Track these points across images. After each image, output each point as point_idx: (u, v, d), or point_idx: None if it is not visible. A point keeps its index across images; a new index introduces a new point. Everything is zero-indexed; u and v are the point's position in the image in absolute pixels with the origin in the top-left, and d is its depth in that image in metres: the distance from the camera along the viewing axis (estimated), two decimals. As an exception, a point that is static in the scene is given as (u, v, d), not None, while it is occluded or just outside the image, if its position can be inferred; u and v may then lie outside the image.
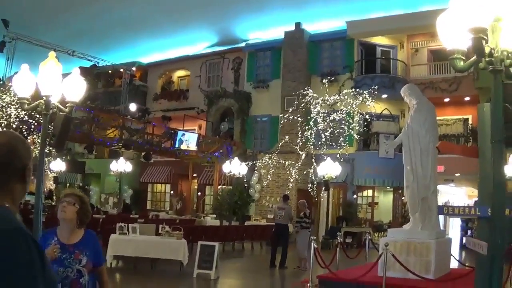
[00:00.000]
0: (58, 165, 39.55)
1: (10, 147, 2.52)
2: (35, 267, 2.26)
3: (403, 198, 34.71)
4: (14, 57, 28.62)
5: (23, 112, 21.44)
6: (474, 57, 5.48)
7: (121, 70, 43.14)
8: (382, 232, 34.91)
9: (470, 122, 34.26)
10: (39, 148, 11.94)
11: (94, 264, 5.57)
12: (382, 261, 15.32)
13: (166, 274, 18.82)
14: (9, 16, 28.62)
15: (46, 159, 39.24)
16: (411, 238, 16.53)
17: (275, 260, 20.98)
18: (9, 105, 21.57)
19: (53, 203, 40.41)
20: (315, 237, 17.98)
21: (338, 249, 19.38)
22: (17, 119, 22.23)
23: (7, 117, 22.19)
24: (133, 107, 38.49)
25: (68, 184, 49.62)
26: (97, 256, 5.68)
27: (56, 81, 10.33)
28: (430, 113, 17.33)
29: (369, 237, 22.33)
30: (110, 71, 44.95)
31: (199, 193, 43.28)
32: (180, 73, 46.77)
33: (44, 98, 10.42)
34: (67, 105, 10.79)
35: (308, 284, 16.51)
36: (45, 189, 49.81)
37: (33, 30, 30.44)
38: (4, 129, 22.48)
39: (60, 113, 10.93)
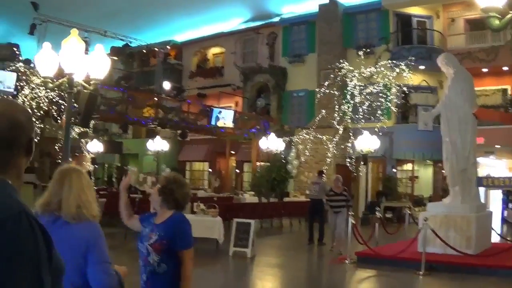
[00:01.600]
0: (95, 146, 39.59)
1: (10, 118, 2.27)
2: (41, 256, 2.10)
3: (443, 171, 34.19)
4: (46, 40, 28.36)
5: (53, 93, 21.29)
6: (510, 14, 5.07)
7: (156, 49, 42.93)
8: (423, 207, 34.38)
9: (509, 92, 33.55)
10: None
11: (171, 247, 5.46)
12: (422, 237, 14.98)
13: (202, 252, 18.53)
14: (38, -2, 28.55)
15: (83, 140, 39.57)
16: (451, 212, 16.16)
17: (313, 237, 20.67)
18: (39, 87, 21.42)
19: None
20: (353, 213, 17.58)
21: (377, 224, 19.07)
22: (47, 100, 22.10)
23: (37, 98, 22.08)
24: (167, 85, 38.25)
25: (106, 165, 49.82)
26: (176, 240, 5.52)
27: (79, 59, 10.08)
28: (467, 82, 16.87)
29: (409, 212, 21.95)
30: (144, 51, 44.84)
31: (237, 170, 43.11)
32: (215, 50, 46.42)
33: (67, 76, 10.20)
34: (91, 82, 10.54)
35: (346, 261, 16.22)
36: (84, 170, 50.11)
37: (64, 12, 30.26)
38: (35, 110, 22.45)
39: (85, 90, 10.67)
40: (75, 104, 11.55)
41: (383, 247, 17.49)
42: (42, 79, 11.20)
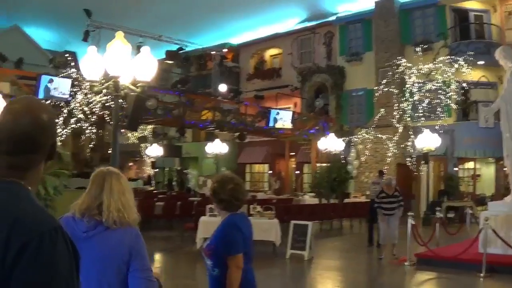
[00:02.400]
0: (155, 150, 39.84)
1: (34, 116, 2.18)
2: (73, 274, 2.06)
3: (504, 169, 33.43)
4: (100, 46, 28.53)
5: (105, 98, 21.36)
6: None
7: (212, 52, 42.99)
8: (485, 206, 33.73)
9: None
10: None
11: (218, 252, 5.36)
12: (482, 237, 14.56)
13: (259, 255, 18.28)
14: (92, 5, 28.68)
15: (142, 145, 39.81)
16: (512, 211, 15.65)
17: (373, 238, 20.27)
18: (91, 92, 21.55)
19: (151, 188, 40.84)
20: (412, 213, 17.14)
21: (437, 225, 18.65)
22: (100, 105, 22.20)
23: (89, 104, 22.20)
24: (223, 87, 38.16)
25: (166, 169, 50.11)
26: (220, 245, 5.40)
27: (124, 62, 9.95)
28: (528, 76, 16.34)
29: (470, 211, 21.44)
30: (201, 54, 44.97)
31: (297, 172, 42.86)
32: (272, 51, 46.19)
33: (113, 79, 10.10)
34: (138, 85, 10.41)
35: (406, 263, 15.87)
36: (144, 175, 50.49)
37: (118, 18, 30.41)
38: (89, 116, 22.58)
39: (132, 93, 10.56)
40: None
41: (443, 248, 17.07)
42: (89, 83, 11.09)
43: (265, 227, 18.12)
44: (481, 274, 13.74)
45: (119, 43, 9.93)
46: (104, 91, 20.02)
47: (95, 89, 10.65)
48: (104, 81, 10.99)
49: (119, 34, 10.18)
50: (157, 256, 18.05)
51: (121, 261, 3.96)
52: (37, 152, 2.18)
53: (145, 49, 10.35)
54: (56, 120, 21.97)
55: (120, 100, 11.55)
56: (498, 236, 14.55)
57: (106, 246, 3.78)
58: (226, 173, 5.89)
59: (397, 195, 17.16)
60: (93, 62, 10.31)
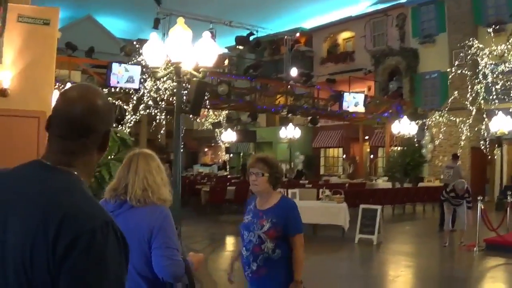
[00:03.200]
0: (229, 136, 40.11)
1: (88, 103, 2.23)
2: (123, 268, 2.11)
3: None
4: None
5: (173, 84, 21.57)
6: None
7: (285, 37, 42.91)
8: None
9: None
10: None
11: (284, 233, 5.47)
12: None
13: (328, 239, 18.40)
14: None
15: (217, 131, 40.13)
16: None
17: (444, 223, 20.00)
18: (160, 80, 21.77)
19: (226, 173, 41.13)
20: (481, 197, 16.82)
21: (508, 210, 18.32)
22: (167, 91, 22.42)
23: (158, 90, 22.42)
24: (294, 72, 38.05)
25: (241, 154, 50.42)
26: (289, 225, 5.51)
27: (185, 47, 10.04)
28: None
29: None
30: (273, 39, 44.98)
31: (371, 156, 42.60)
32: (345, 34, 45.86)
33: (175, 65, 10.20)
34: (200, 70, 10.51)
35: (475, 248, 15.65)
36: (220, 160, 50.93)
37: (188, 5, 30.53)
38: (160, 103, 22.84)
39: (194, 79, 10.65)
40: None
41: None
42: (152, 69, 11.23)
43: (333, 211, 18.13)
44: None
45: (180, 29, 10.02)
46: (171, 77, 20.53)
47: (158, 75, 10.75)
48: (167, 67, 11.15)
49: (180, 20, 10.26)
50: (227, 240, 18.26)
51: (142, 239, 4.01)
52: (88, 137, 2.21)
53: (206, 35, 10.40)
54: (126, 107, 22.46)
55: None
56: None
57: (128, 224, 3.74)
58: (266, 153, 6.01)
59: (466, 197, 16.68)
60: (156, 49, 10.42)
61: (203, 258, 4.29)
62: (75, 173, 2.18)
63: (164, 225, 4.06)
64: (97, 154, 2.30)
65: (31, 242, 1.97)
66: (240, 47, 37.10)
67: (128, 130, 20.21)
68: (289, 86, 32.76)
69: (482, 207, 16.19)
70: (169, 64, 11.12)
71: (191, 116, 23.46)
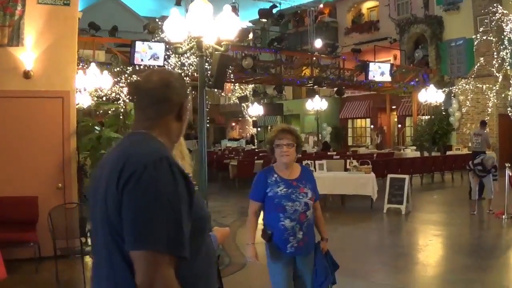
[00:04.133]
0: (256, 109, 40.11)
1: (163, 79, 2.79)
2: (181, 200, 2.46)
3: None
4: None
5: (197, 59, 21.52)
6: None
7: (309, 9, 42.65)
8: None
9: None
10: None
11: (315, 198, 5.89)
12: None
13: (356, 210, 18.41)
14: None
15: (244, 104, 40.11)
16: None
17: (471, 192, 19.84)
18: (184, 55, 21.71)
19: (254, 147, 41.13)
20: (510, 164, 16.67)
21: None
22: (191, 67, 22.35)
23: (183, 66, 22.38)
24: (318, 43, 37.81)
25: (269, 127, 50.40)
26: (315, 189, 5.91)
27: (206, 21, 9.99)
28: None
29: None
30: (296, 11, 44.78)
31: (399, 125, 42.38)
32: (369, 4, 45.28)
33: (196, 39, 10.17)
34: (222, 43, 10.47)
35: (503, 216, 15.55)
36: (247, 134, 50.93)
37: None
38: (185, 79, 22.80)
39: (216, 52, 10.62)
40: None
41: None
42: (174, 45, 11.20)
43: (361, 182, 18.08)
44: None
45: (200, 2, 9.97)
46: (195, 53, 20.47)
47: (180, 50, 10.71)
48: (189, 42, 11.11)
49: (200, -6, 10.21)
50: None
51: None
52: (163, 105, 2.74)
53: (226, 8, 10.34)
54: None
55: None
56: None
57: None
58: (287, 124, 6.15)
59: (493, 172, 16.50)
60: (177, 24, 10.38)
61: (229, 232, 4.28)
62: (149, 131, 2.71)
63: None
64: (176, 122, 2.83)
65: (107, 181, 2.52)
66: (264, 20, 36.97)
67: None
68: (314, 58, 32.54)
69: (510, 174, 16.05)
70: (191, 39, 11.07)
71: (216, 90, 23.56)
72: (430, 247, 12.74)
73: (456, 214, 17.45)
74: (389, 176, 18.14)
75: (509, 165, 16.35)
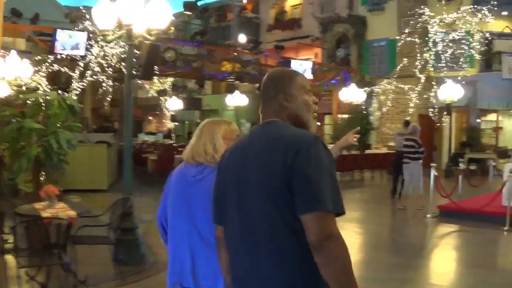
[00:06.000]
0: (175, 103, 39.62)
1: (269, 75, 3.34)
2: (334, 168, 2.86)
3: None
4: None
5: (121, 50, 21.01)
6: None
7: (232, 3, 42.48)
8: (507, 158, 33.57)
9: None
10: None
11: None
12: (507, 190, 14.26)
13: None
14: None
15: (162, 98, 39.60)
16: (539, 162, 15.31)
17: (396, 190, 20.00)
18: (106, 44, 21.20)
19: (172, 142, 40.70)
20: (435, 164, 16.83)
21: (460, 177, 18.33)
22: (116, 58, 21.85)
23: (106, 56, 21.87)
24: (242, 38, 37.61)
25: (186, 122, 50.02)
26: None
27: (137, 9, 9.62)
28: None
29: (494, 164, 21.11)
30: (220, 6, 44.51)
31: (318, 123, 42.47)
32: (293, 1, 45.04)
33: (126, 27, 9.79)
34: (152, 32, 10.10)
35: (428, 215, 15.64)
36: (164, 128, 50.38)
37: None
38: (107, 69, 22.28)
39: (146, 41, 10.25)
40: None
41: (466, 201, 16.77)
42: (102, 33, 10.79)
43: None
44: (505, 228, 13.50)
45: (132, -11, 9.60)
46: (120, 43, 19.97)
47: (108, 38, 10.31)
48: (117, 30, 10.70)
49: (131, -19, 9.83)
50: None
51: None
52: (278, 97, 3.15)
53: (158, -4, 9.98)
54: (72, 74, 21.85)
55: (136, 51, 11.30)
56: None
57: (212, 188, 3.65)
58: None
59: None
60: (106, 10, 9.97)
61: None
62: (281, 121, 3.09)
63: None
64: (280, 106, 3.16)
65: (268, 163, 2.87)
66: (188, 13, 36.55)
67: (75, 98, 19.62)
68: (235, 53, 32.28)
69: (436, 174, 16.16)
70: (119, 27, 10.65)
71: (139, 81, 23.04)
72: (355, 245, 12.66)
73: (379, 212, 17.59)
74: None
75: (435, 165, 16.48)
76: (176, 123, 49.19)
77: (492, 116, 34.89)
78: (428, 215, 15.60)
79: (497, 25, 31.05)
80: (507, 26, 32.18)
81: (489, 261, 11.38)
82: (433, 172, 16.09)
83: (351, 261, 2.73)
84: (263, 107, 3.23)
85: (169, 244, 4.49)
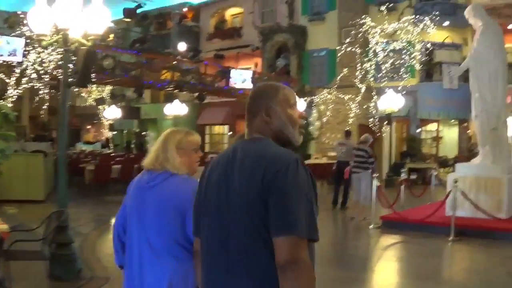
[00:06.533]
0: (113, 112, 39.05)
1: (252, 93, 3.26)
2: (312, 193, 2.87)
3: (468, 131, 33.42)
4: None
5: (59, 56, 20.48)
6: None
7: (176, 11, 42.10)
8: (448, 168, 33.89)
9: None
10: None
11: None
12: (451, 200, 14.16)
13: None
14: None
15: (100, 107, 38.98)
16: (481, 173, 15.29)
17: (338, 199, 19.86)
18: (43, 50, 20.70)
19: (110, 151, 40.11)
20: (377, 174, 16.70)
21: (402, 187, 18.24)
22: (51, 64, 21.31)
23: (43, 63, 21.33)
24: (182, 46, 37.29)
25: (125, 131, 49.42)
26: None
27: (74, 13, 9.21)
28: (497, 35, 15.95)
29: (435, 173, 21.10)
30: (160, 13, 44.09)
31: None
32: (233, 10, 45.03)
33: (62, 32, 9.37)
34: (89, 38, 9.69)
35: (371, 226, 15.48)
36: (102, 138, 49.67)
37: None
38: (43, 77, 21.74)
39: (82, 47, 9.84)
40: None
41: (409, 211, 16.68)
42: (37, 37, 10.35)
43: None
44: (450, 238, 13.37)
45: (68, -7, 9.19)
46: (57, 49, 19.44)
47: (44, 43, 9.89)
48: (53, 34, 10.28)
49: (68, -16, 9.42)
50: (113, 222, 17.23)
51: (176, 210, 4.06)
52: (256, 115, 3.12)
53: (96, 1, 9.58)
54: (8, 81, 21.24)
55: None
56: (467, 198, 14.17)
57: (162, 194, 4.07)
58: None
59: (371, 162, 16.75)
60: (42, 14, 9.54)
61: None
62: (263, 137, 3.06)
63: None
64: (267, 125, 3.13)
65: (249, 181, 2.86)
66: (128, 20, 36.03)
67: (11, 105, 19.04)
68: (175, 62, 31.90)
69: (378, 184, 16.02)
70: (56, 32, 10.22)
71: (75, 89, 22.49)
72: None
73: (320, 223, 17.12)
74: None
75: (377, 175, 16.36)
76: (114, 132, 48.56)
77: (432, 126, 35.21)
78: (371, 226, 15.44)
79: (438, 35, 31.40)
80: (448, 37, 32.47)
81: (435, 273, 11.20)
82: (375, 182, 15.94)
83: None
84: (248, 123, 3.20)
85: (126, 252, 4.38)
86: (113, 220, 14.40)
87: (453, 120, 34.31)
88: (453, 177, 14.96)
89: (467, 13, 16.16)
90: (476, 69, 15.46)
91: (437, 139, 35.18)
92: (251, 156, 2.95)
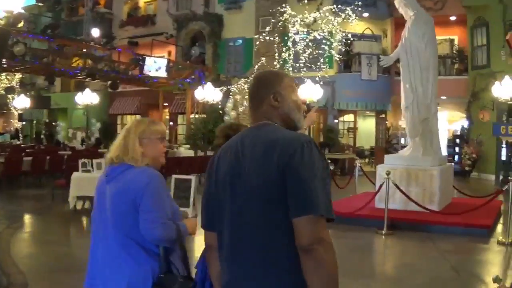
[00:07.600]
0: (22, 102, 37.80)
1: (254, 80, 3.27)
2: (327, 172, 2.88)
3: (386, 122, 33.50)
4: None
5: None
6: None
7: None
8: (364, 159, 33.95)
9: (456, 42, 33.40)
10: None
11: None
12: (382, 192, 13.77)
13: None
14: None
15: (9, 96, 37.58)
16: (412, 165, 15.05)
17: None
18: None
19: (19, 142, 38.90)
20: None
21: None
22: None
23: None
24: (96, 32, 36.22)
25: (34, 122, 48.09)
26: None
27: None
28: (428, 25, 15.76)
29: (359, 164, 20.78)
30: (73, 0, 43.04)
31: (171, 123, 41.58)
32: (147, -3, 44.31)
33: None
34: (3, 16, 8.82)
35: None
36: (12, 128, 48.13)
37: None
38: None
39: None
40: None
41: (337, 203, 16.17)
42: None
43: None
44: (383, 231, 12.95)
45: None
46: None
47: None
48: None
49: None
50: (26, 219, 16.17)
51: (131, 204, 3.91)
52: (263, 100, 3.15)
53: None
54: None
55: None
56: (401, 191, 13.80)
57: (117, 187, 3.93)
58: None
59: None
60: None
61: (196, 223, 4.27)
62: (273, 123, 3.08)
63: (151, 188, 3.95)
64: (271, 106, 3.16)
65: (263, 165, 2.85)
66: (40, 4, 34.86)
67: None
68: (85, 49, 30.89)
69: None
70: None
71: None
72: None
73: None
74: (174, 176, 16.86)
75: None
76: (24, 123, 47.21)
77: (349, 117, 35.22)
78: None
79: (358, 26, 31.53)
80: (368, 28, 32.52)
81: (374, 269, 10.75)
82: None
83: (337, 269, 2.70)
84: (253, 110, 3.18)
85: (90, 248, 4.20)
86: (27, 217, 13.20)
87: (369, 111, 34.35)
88: (382, 168, 14.62)
89: (398, 2, 15.85)
90: (407, 59, 15.19)
91: (354, 129, 35.19)
92: (262, 141, 2.95)
